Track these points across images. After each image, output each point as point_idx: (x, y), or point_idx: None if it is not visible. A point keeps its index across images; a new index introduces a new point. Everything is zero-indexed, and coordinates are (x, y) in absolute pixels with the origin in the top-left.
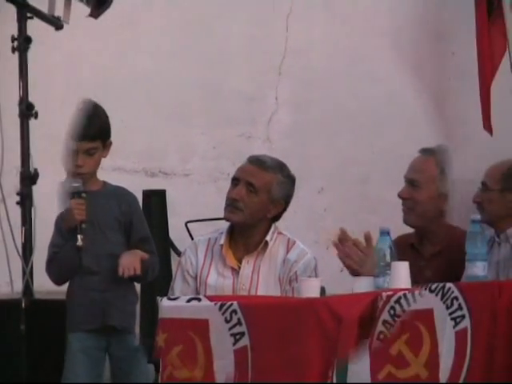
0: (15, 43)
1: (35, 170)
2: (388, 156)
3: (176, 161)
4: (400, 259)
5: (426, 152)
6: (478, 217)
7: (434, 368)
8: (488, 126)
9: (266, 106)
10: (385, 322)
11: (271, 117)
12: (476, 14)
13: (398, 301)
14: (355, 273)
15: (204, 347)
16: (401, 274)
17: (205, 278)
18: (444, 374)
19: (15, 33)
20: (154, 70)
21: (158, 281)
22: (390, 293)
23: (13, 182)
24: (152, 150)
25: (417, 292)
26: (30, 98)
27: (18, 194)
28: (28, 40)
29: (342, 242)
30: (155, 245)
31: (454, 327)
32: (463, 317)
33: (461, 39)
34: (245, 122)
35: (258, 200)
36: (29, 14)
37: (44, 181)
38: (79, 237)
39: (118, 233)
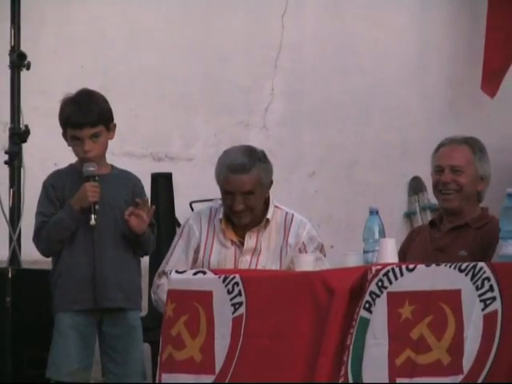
0: None
1: (26, 126)
2: (374, 142)
3: (180, 146)
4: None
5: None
6: None
7: (457, 353)
8: (488, 88)
9: (262, 97)
10: (371, 293)
11: (267, 107)
12: None
13: (386, 274)
14: None
15: (207, 316)
16: (388, 250)
17: (210, 248)
18: (468, 359)
19: None
20: (158, 64)
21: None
22: (379, 267)
23: (0, 139)
24: (158, 136)
25: (403, 266)
26: (22, 48)
27: (6, 152)
28: None
29: None
30: (163, 222)
31: (482, 310)
32: (494, 299)
33: None
34: (243, 111)
35: (257, 197)
36: None
37: (35, 139)
38: (93, 216)
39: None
